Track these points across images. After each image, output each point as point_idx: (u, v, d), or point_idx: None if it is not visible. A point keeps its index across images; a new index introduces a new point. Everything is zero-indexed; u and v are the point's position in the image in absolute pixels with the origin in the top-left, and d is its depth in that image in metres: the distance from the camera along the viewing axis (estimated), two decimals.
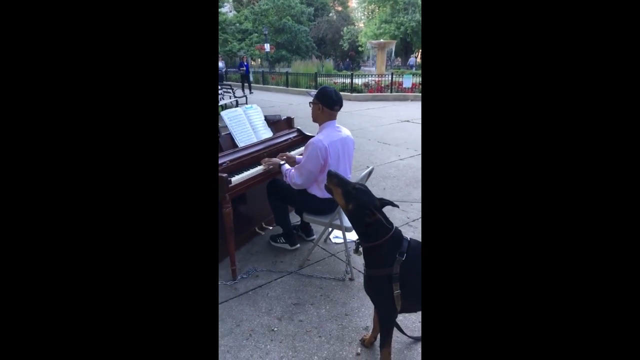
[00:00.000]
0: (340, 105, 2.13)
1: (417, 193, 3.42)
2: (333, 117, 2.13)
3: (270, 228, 2.62)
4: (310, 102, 2.18)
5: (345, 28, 26.46)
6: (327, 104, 2.08)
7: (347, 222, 2.10)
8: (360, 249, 1.39)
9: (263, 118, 2.67)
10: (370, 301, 1.50)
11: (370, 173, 2.16)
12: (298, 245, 2.43)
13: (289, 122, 2.91)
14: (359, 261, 2.30)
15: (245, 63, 12.95)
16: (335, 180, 1.41)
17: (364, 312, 1.85)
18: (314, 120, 2.17)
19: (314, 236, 2.57)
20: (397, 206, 1.48)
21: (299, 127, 2.93)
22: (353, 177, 2.24)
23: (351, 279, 2.12)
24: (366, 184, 2.47)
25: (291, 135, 2.78)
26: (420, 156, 4.61)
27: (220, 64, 13.67)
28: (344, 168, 2.15)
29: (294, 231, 2.50)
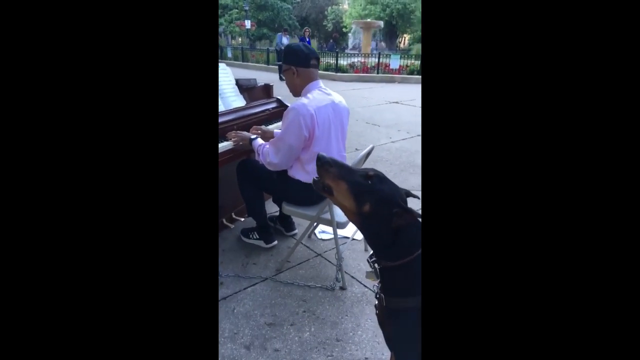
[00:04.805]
0: (317, 59, 1.63)
1: (414, 180, 2.98)
2: (314, 77, 1.63)
3: (242, 220, 2.11)
4: (280, 75, 1.67)
5: (329, 8, 25.61)
6: (299, 62, 1.58)
7: (340, 216, 1.61)
8: (377, 269, 0.90)
9: (234, 82, 2.14)
10: (368, 323, 1.03)
11: (369, 153, 1.68)
12: (275, 242, 1.94)
13: (266, 90, 2.38)
14: (351, 264, 1.83)
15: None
16: (332, 170, 0.87)
17: (362, 337, 1.39)
18: (293, 92, 1.66)
19: (296, 231, 2.08)
20: (418, 197, 1.00)
21: (279, 97, 2.40)
22: (349, 157, 1.75)
23: (342, 288, 1.66)
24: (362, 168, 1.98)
25: (269, 106, 2.25)
26: (413, 139, 4.19)
27: None
28: (336, 144, 1.65)
29: (270, 224, 2.00)
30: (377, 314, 0.98)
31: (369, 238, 0.89)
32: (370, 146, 1.70)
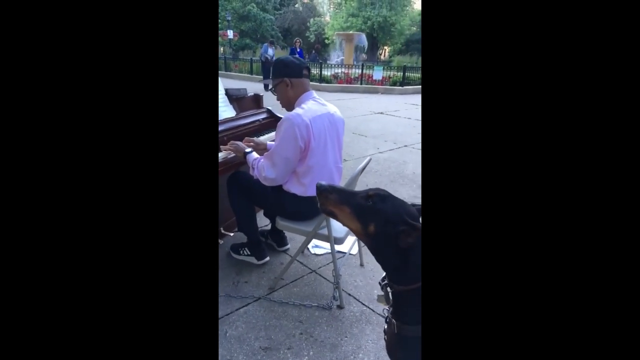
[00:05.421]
0: (308, 69, 1.59)
1: (404, 191, 2.95)
2: (307, 87, 1.58)
3: (231, 235, 2.02)
4: (271, 89, 1.61)
5: (311, 19, 25.84)
6: (292, 73, 1.53)
7: (338, 231, 1.55)
8: (389, 293, 0.84)
9: (223, 92, 2.06)
10: (370, 345, 0.97)
11: (365, 166, 1.63)
12: (267, 258, 1.85)
13: (256, 100, 2.31)
14: (348, 280, 1.76)
15: None
16: (332, 197, 0.84)
17: None
18: (287, 106, 1.60)
19: (288, 246, 2.00)
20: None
21: (269, 108, 2.34)
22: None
23: (340, 307, 1.58)
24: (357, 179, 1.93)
25: (259, 117, 2.18)
26: (400, 149, 4.19)
27: None
28: (333, 156, 1.60)
29: (262, 239, 1.91)
30: (385, 339, 0.91)
31: (379, 260, 0.84)
32: (368, 159, 1.65)
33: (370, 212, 0.80)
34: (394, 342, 0.85)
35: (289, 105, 1.59)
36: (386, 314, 0.89)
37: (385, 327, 0.90)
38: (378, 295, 0.90)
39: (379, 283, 0.86)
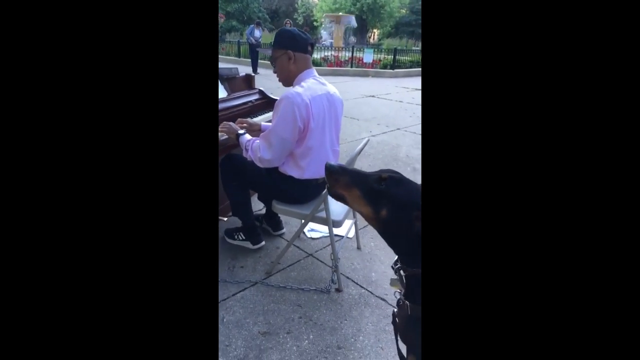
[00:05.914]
0: (313, 46, 1.52)
1: None
2: (309, 64, 1.51)
3: (225, 220, 1.97)
4: (271, 60, 1.52)
5: (299, 1, 25.29)
6: (297, 46, 1.46)
7: (336, 214, 1.51)
8: (402, 276, 0.80)
9: None
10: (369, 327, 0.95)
11: (364, 146, 1.59)
12: (263, 242, 1.81)
13: (248, 81, 2.24)
14: (345, 263, 1.74)
15: None
16: (342, 179, 0.79)
17: (364, 343, 1.31)
18: (285, 81, 1.53)
19: (284, 230, 1.97)
20: None
21: (261, 88, 2.26)
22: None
23: (338, 290, 1.56)
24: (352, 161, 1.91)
25: (252, 98, 2.11)
26: (392, 132, 4.16)
27: None
28: (330, 138, 1.55)
29: (257, 223, 1.87)
30: (394, 322, 0.89)
31: (391, 245, 0.80)
32: (366, 139, 1.61)
33: (383, 196, 0.75)
34: (404, 323, 0.83)
35: (288, 80, 1.52)
36: (398, 297, 0.86)
37: (396, 310, 0.88)
38: (391, 279, 0.87)
39: (392, 267, 0.83)
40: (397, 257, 0.81)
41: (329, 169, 0.80)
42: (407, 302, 0.79)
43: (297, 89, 1.41)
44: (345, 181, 0.79)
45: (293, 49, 1.45)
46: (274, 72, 1.55)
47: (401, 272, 0.79)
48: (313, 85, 1.46)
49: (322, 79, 1.53)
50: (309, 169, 1.49)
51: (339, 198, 0.81)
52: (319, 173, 1.51)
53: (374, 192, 0.76)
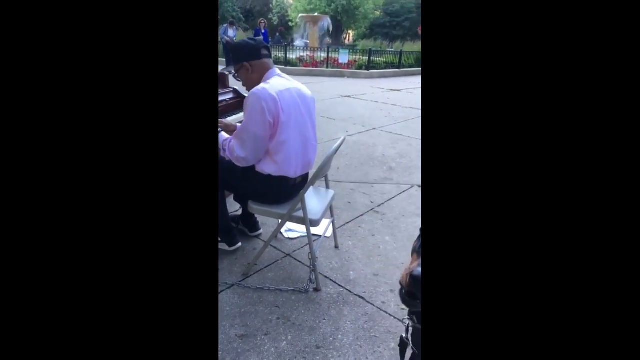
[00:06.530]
0: (267, 48, 1.53)
1: (375, 173, 2.96)
2: (269, 66, 1.52)
3: None
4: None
5: (274, 1, 25.16)
6: (250, 55, 1.48)
7: (313, 213, 1.51)
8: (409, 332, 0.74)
9: None
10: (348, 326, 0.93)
11: (341, 144, 1.59)
12: (239, 244, 1.78)
13: (222, 80, 2.20)
14: (323, 262, 1.74)
15: None
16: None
17: (342, 342, 1.30)
18: (251, 86, 1.52)
19: (260, 231, 1.94)
20: None
21: (235, 87, 2.23)
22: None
23: (317, 290, 1.56)
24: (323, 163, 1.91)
25: (226, 97, 2.08)
26: (369, 132, 4.20)
27: None
28: (306, 131, 1.54)
29: (233, 225, 1.84)
30: (401, 344, 0.82)
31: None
32: (342, 137, 1.61)
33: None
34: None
35: (250, 84, 1.52)
36: (408, 329, 0.79)
37: (407, 336, 0.80)
38: (400, 344, 0.80)
39: (404, 323, 0.78)
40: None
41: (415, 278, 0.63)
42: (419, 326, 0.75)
43: (263, 85, 1.42)
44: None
45: (247, 59, 1.48)
46: (243, 85, 1.56)
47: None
48: (278, 80, 1.46)
49: (287, 76, 1.54)
50: (284, 165, 1.48)
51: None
52: (295, 169, 1.51)
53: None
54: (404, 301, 0.69)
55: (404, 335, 0.82)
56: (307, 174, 1.64)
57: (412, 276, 0.65)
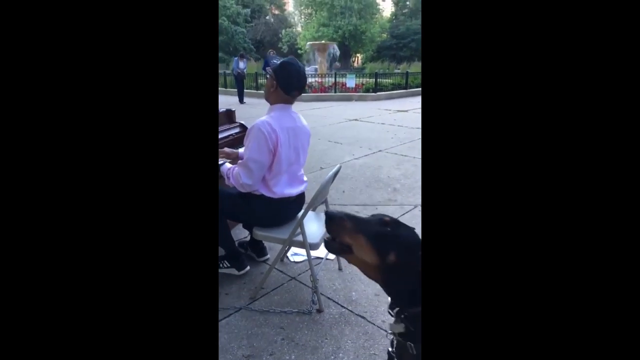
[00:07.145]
0: (300, 91, 1.65)
1: (379, 195, 3.04)
2: (288, 102, 1.65)
3: None
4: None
5: (283, 30, 26.08)
6: (283, 85, 1.59)
7: (313, 237, 1.61)
8: (403, 318, 0.75)
9: None
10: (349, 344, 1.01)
11: (337, 173, 1.70)
12: (248, 267, 1.89)
13: (229, 116, 2.36)
14: (326, 284, 1.82)
15: None
16: (348, 224, 0.73)
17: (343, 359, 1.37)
18: (266, 97, 1.68)
19: (268, 256, 2.05)
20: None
21: (242, 122, 2.39)
22: (314, 176, 1.76)
23: (319, 311, 1.63)
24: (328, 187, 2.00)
25: (233, 131, 2.24)
26: (375, 155, 4.30)
27: None
28: (296, 161, 1.68)
29: (241, 250, 1.95)
30: None
31: (394, 291, 0.76)
32: (338, 166, 1.73)
33: (390, 239, 0.71)
34: None
35: (267, 96, 1.66)
36: (393, 343, 0.81)
37: (392, 350, 0.82)
38: (391, 325, 0.80)
39: (389, 312, 0.79)
40: (391, 301, 0.77)
41: (330, 216, 0.74)
42: (409, 343, 0.76)
43: (265, 118, 1.57)
44: (349, 228, 0.73)
45: (279, 83, 1.58)
46: (266, 85, 1.70)
47: (401, 315, 0.75)
48: (283, 117, 1.61)
49: (295, 114, 1.68)
50: (278, 187, 1.64)
51: (342, 250, 0.75)
52: (290, 191, 1.68)
53: (380, 237, 0.72)
54: (331, 249, 0.77)
55: (390, 349, 0.86)
56: (302, 194, 1.77)
57: (326, 213, 0.76)
